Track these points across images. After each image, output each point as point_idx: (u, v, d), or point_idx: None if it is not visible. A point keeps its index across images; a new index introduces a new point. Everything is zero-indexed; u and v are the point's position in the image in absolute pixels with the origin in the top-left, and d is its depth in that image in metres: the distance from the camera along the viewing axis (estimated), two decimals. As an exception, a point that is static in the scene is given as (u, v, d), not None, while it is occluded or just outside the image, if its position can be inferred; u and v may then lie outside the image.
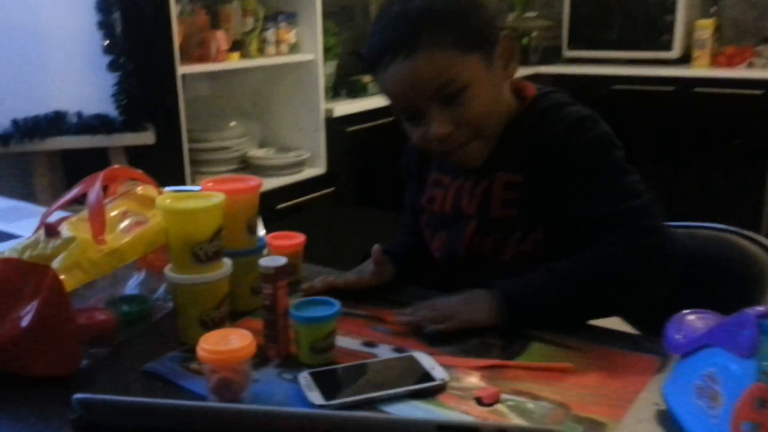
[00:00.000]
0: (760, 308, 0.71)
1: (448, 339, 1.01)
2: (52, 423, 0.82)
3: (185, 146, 2.43)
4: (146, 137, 2.32)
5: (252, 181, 1.10)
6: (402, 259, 1.24)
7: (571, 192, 1.09)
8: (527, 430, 0.45)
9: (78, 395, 0.49)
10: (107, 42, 2.27)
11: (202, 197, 1.00)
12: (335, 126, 3.00)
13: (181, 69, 2.37)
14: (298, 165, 2.92)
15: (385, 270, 1.20)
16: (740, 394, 0.69)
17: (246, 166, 2.89)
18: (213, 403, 0.66)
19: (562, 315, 1.05)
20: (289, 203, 2.80)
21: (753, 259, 1.23)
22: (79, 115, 2.30)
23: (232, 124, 2.89)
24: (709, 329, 0.80)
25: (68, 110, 2.30)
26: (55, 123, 2.27)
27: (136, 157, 2.35)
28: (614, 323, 1.12)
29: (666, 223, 1.07)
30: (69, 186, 2.44)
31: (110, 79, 2.28)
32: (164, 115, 2.38)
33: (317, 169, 2.99)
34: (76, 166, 2.40)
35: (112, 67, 2.27)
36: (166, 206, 0.97)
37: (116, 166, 1.07)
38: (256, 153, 2.93)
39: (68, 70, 2.30)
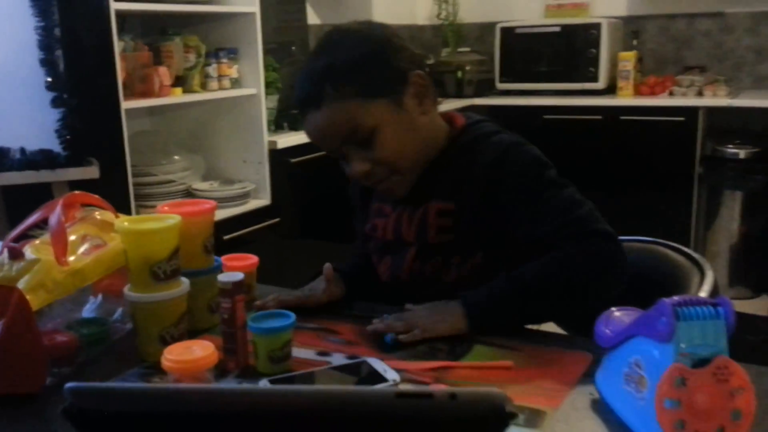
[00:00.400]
0: (675, 298, 0.79)
1: (398, 346, 1.07)
2: (20, 437, 0.85)
3: (130, 180, 2.45)
4: (91, 171, 2.33)
5: (206, 204, 1.16)
6: (352, 278, 1.30)
7: (512, 216, 1.16)
8: (476, 392, 0.52)
9: (69, 384, 0.53)
10: (50, 79, 2.28)
11: (159, 219, 1.05)
12: (279, 158, 3.05)
13: (125, 104, 2.40)
14: (243, 197, 2.96)
15: (335, 287, 1.26)
16: (661, 375, 0.78)
17: (191, 198, 2.91)
18: (204, 385, 0.71)
19: (524, 320, 1.14)
20: (235, 234, 2.83)
21: (679, 267, 1.34)
22: (23, 151, 2.30)
23: (176, 157, 2.92)
24: (632, 321, 0.89)
25: (11, 146, 2.30)
26: (-3, 159, 2.27)
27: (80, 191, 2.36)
28: (548, 326, 1.21)
29: (605, 226, 1.13)
30: (11, 221, 2.43)
31: (54, 115, 2.29)
32: (108, 149, 2.39)
33: (262, 200, 3.03)
34: (19, 202, 2.40)
35: (56, 103, 2.29)
36: (125, 228, 1.02)
37: (76, 192, 1.11)
38: (201, 185, 2.96)
39: (11, 106, 2.31)
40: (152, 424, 0.53)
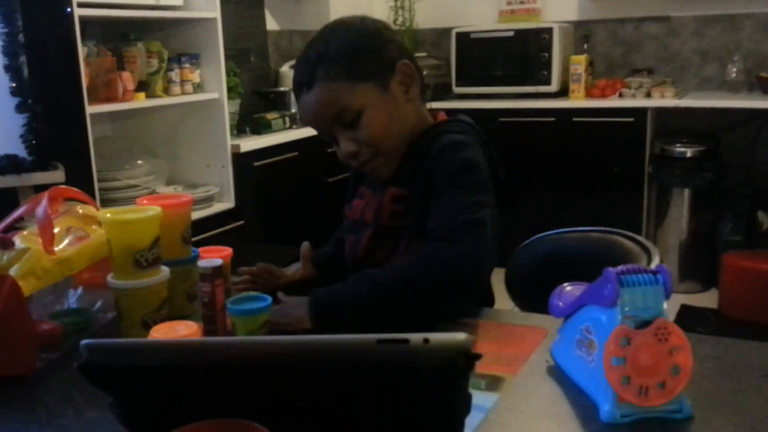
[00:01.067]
0: (619, 267, 0.88)
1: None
2: (14, 418, 0.90)
3: (96, 184, 2.48)
4: (56, 176, 2.36)
5: (184, 197, 1.22)
6: (323, 263, 1.37)
7: (430, 208, 1.22)
8: (446, 336, 0.59)
9: (85, 341, 0.59)
10: (14, 84, 2.31)
11: (140, 210, 1.11)
12: (242, 161, 3.11)
13: (90, 109, 2.43)
14: (207, 200, 3.01)
15: (310, 267, 1.34)
16: (608, 336, 0.86)
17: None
18: (214, 338, 0.77)
19: (367, 315, 1.11)
20: (200, 237, 2.87)
21: (631, 254, 1.44)
22: (-12, 155, 2.32)
23: (140, 162, 2.95)
24: (582, 293, 0.97)
25: (-24, 152, 2.32)
26: (-37, 164, 2.29)
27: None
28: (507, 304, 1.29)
29: (486, 242, 1.15)
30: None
31: (19, 120, 2.32)
32: (73, 154, 2.43)
33: (226, 204, 3.08)
34: (-16, 207, 2.41)
35: (21, 108, 2.32)
36: (109, 218, 1.07)
37: (61, 186, 1.16)
38: (165, 190, 2.99)
39: (-25, 112, 2.33)
40: (160, 376, 0.59)
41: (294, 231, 3.25)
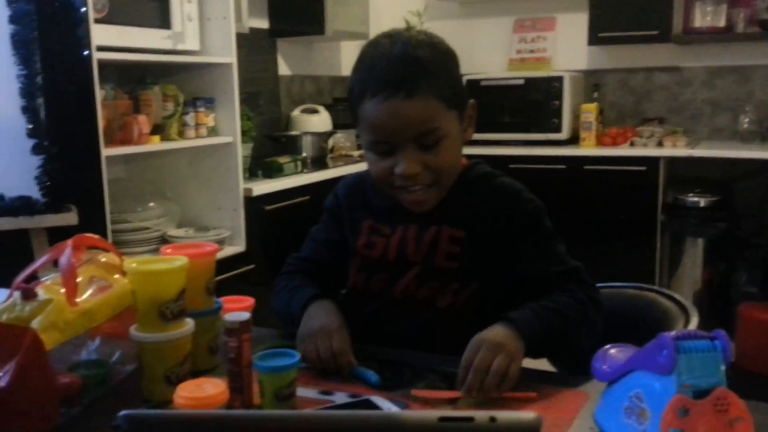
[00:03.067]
0: (674, 332, 0.84)
1: (396, 384, 1.09)
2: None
3: (109, 226, 2.45)
4: (69, 218, 2.33)
5: (208, 247, 1.18)
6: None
7: (515, 253, 1.25)
8: (514, 415, 0.55)
9: (124, 411, 0.55)
10: (31, 126, 2.29)
11: (166, 261, 1.07)
12: (254, 205, 3.08)
13: (105, 152, 2.41)
14: (218, 243, 2.97)
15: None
16: (664, 406, 0.82)
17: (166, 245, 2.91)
18: (255, 411, 0.73)
19: (556, 348, 1.21)
20: (210, 282, 2.83)
21: (669, 313, 1.40)
22: (1, 197, 2.29)
23: (151, 204, 2.92)
24: (630, 357, 0.93)
25: (-11, 193, 2.30)
26: (-24, 205, 2.26)
27: (57, 238, 2.33)
28: (540, 364, 1.25)
29: None
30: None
31: (34, 162, 2.29)
32: (87, 196, 2.40)
33: (237, 247, 3.04)
34: (-5, 248, 2.38)
35: (36, 150, 2.29)
36: (135, 269, 1.04)
37: (86, 235, 1.12)
38: (176, 232, 2.96)
39: (-10, 153, 2.32)
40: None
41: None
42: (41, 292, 0.97)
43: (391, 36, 1.25)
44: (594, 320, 1.20)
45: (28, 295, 0.96)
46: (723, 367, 0.82)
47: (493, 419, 0.54)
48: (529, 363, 1.21)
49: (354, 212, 1.38)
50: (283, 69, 4.15)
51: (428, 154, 1.21)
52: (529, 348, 1.10)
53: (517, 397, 1.04)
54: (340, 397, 1.07)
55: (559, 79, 4.02)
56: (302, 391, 1.07)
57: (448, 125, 1.22)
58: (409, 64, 1.19)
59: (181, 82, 2.95)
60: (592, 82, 4.30)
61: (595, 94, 4.24)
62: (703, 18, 3.89)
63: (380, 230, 1.33)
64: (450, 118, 1.22)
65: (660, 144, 3.81)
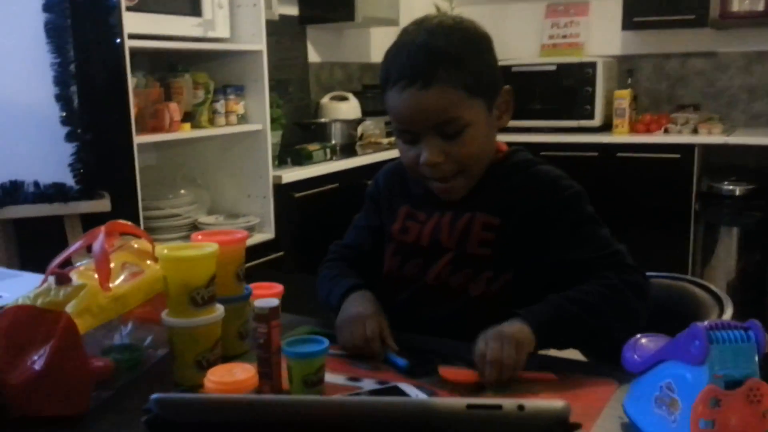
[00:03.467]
0: (707, 322, 0.83)
1: (424, 371, 1.10)
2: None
3: (141, 213, 2.48)
4: (102, 205, 2.36)
5: (238, 233, 1.19)
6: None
7: (553, 240, 1.22)
8: (542, 404, 0.55)
9: (155, 395, 0.56)
10: (64, 114, 2.32)
11: (197, 247, 1.08)
12: (283, 192, 3.09)
13: (137, 139, 2.44)
14: (247, 231, 2.99)
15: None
16: (696, 396, 0.81)
17: (196, 232, 2.94)
18: (287, 396, 0.73)
19: (577, 338, 1.18)
20: (241, 268, 2.85)
21: (704, 304, 1.38)
22: (36, 184, 2.33)
23: (182, 191, 2.95)
24: (662, 346, 0.92)
25: (25, 180, 2.33)
26: (11, 192, 2.29)
27: (91, 224, 2.36)
28: (568, 353, 1.24)
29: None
30: (22, 253, 2.44)
31: (67, 149, 2.32)
32: (120, 183, 2.43)
33: (266, 235, 3.06)
34: (31, 234, 2.42)
35: (70, 137, 2.32)
36: (167, 255, 1.05)
37: (119, 221, 1.14)
38: (206, 219, 2.98)
39: (26, 140, 2.35)
40: (232, 435, 0.56)
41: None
42: (75, 278, 0.99)
43: (420, 23, 1.24)
44: (634, 308, 1.17)
45: (63, 280, 0.97)
46: (756, 358, 0.81)
47: (521, 407, 0.54)
48: (558, 352, 1.21)
49: (392, 198, 1.38)
50: (313, 56, 4.15)
51: (451, 144, 1.21)
52: (544, 340, 1.11)
53: (538, 378, 1.04)
54: (368, 384, 1.07)
55: (592, 65, 3.97)
56: (330, 378, 1.08)
57: (471, 114, 1.20)
58: (428, 54, 1.18)
59: (211, 69, 2.97)
60: (625, 68, 4.24)
61: (629, 80, 4.18)
62: (741, 2, 3.81)
63: (416, 216, 1.33)
64: (474, 106, 1.20)
65: (695, 131, 3.75)
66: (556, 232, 1.23)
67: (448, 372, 1.07)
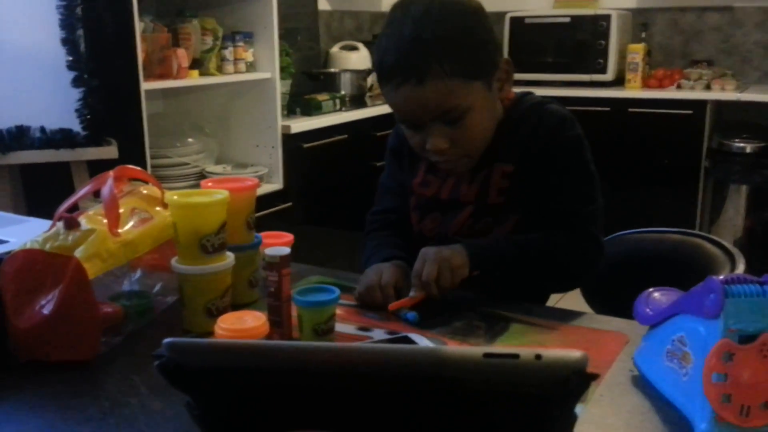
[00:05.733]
0: (722, 276, 0.82)
1: (435, 323, 1.10)
2: (76, 405, 0.87)
3: (148, 161, 2.47)
4: (110, 152, 2.35)
5: (249, 181, 1.18)
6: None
7: (544, 183, 1.23)
8: (560, 353, 0.54)
9: (168, 339, 0.55)
10: (71, 58, 2.29)
11: (207, 194, 1.07)
12: (292, 142, 3.07)
13: (144, 85, 2.41)
14: (256, 181, 2.98)
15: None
16: (709, 350, 0.80)
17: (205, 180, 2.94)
18: (298, 342, 0.73)
19: (509, 273, 1.22)
20: (248, 218, 2.85)
21: (715, 260, 1.37)
22: (43, 129, 2.31)
23: (190, 140, 2.93)
24: (675, 300, 0.91)
25: (31, 125, 2.31)
26: (18, 137, 2.28)
27: (98, 171, 2.34)
28: (580, 306, 1.24)
29: (602, 231, 1.26)
30: (29, 199, 2.44)
31: (74, 95, 2.30)
32: (127, 130, 2.41)
33: (274, 185, 3.05)
34: (37, 180, 2.41)
35: (76, 83, 2.30)
36: (176, 201, 1.04)
37: (128, 166, 1.12)
38: (214, 169, 2.97)
39: (32, 85, 2.32)
40: (245, 379, 0.55)
41: (340, 214, 3.21)
42: (84, 222, 0.98)
43: (406, 7, 1.18)
44: (570, 270, 1.25)
45: (71, 224, 0.96)
46: (772, 313, 0.80)
47: (538, 356, 0.54)
48: (569, 305, 1.22)
49: (413, 151, 1.36)
50: (323, 4, 4.08)
51: (454, 129, 1.19)
52: (477, 269, 1.18)
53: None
54: (378, 334, 1.07)
55: (607, 17, 3.90)
56: (341, 327, 1.08)
57: (471, 98, 1.17)
58: (418, 48, 1.13)
59: (219, 15, 2.93)
60: (640, 21, 4.16)
61: (643, 34, 4.10)
62: (760, -46, 3.72)
63: (436, 170, 1.32)
64: (473, 90, 1.17)
65: (708, 87, 3.70)
66: (549, 175, 1.24)
67: (392, 305, 1.14)
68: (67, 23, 2.27)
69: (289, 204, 3.08)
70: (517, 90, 1.31)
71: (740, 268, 1.29)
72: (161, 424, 0.82)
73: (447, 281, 1.13)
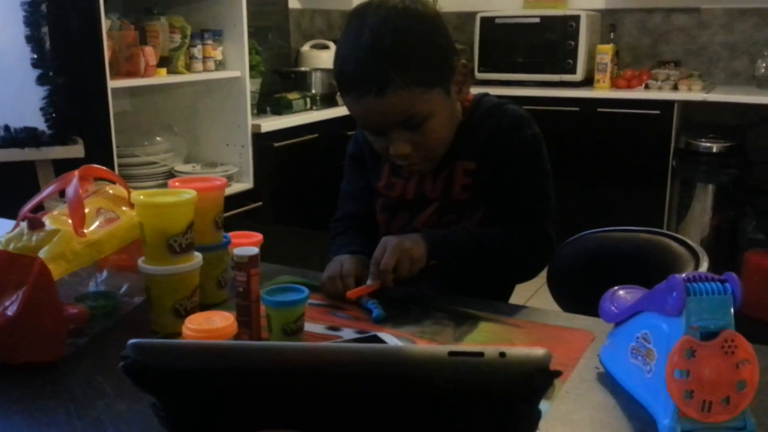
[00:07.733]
0: (684, 274, 0.83)
1: (404, 322, 1.10)
2: (41, 407, 0.86)
3: (115, 160, 2.44)
4: (75, 150, 2.32)
5: (217, 180, 1.17)
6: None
7: (504, 179, 1.27)
8: (523, 351, 0.55)
9: (133, 340, 0.55)
10: (36, 56, 2.26)
11: (175, 193, 1.06)
12: (262, 141, 3.06)
13: (111, 83, 2.38)
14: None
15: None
16: (671, 347, 0.81)
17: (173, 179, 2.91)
18: (266, 342, 0.73)
19: (466, 264, 1.26)
20: (218, 217, 2.83)
21: (680, 258, 1.40)
22: (7, 128, 2.28)
23: (158, 139, 2.90)
24: (639, 298, 0.92)
25: (-5, 123, 2.28)
26: (-19, 136, 2.24)
27: (63, 170, 2.32)
28: (548, 304, 1.26)
29: (554, 226, 1.30)
30: (-7, 198, 2.39)
31: (39, 93, 2.27)
32: (93, 128, 2.38)
33: (244, 184, 3.03)
34: (2, 179, 2.37)
35: (41, 80, 2.26)
36: (143, 201, 1.03)
37: (93, 165, 1.11)
38: (183, 168, 2.95)
39: (-4, 83, 2.29)
40: (211, 380, 0.55)
41: (310, 214, 3.20)
42: (48, 222, 0.97)
43: (363, 16, 1.18)
44: (524, 263, 1.29)
45: (35, 225, 0.95)
46: (732, 310, 0.81)
47: (502, 354, 0.54)
48: (537, 303, 1.23)
49: (375, 154, 1.37)
50: (293, 2, 4.07)
51: (416, 134, 1.21)
52: (434, 258, 1.21)
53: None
54: (348, 333, 1.07)
55: (576, 18, 3.93)
56: (310, 327, 1.08)
57: (431, 104, 1.19)
58: (376, 59, 1.14)
59: (188, 13, 2.90)
60: (609, 22, 4.20)
61: (612, 35, 4.15)
62: (725, -43, 3.78)
63: (400, 172, 1.34)
64: (432, 96, 1.19)
65: (675, 87, 3.75)
66: (508, 172, 1.27)
67: (351, 293, 1.16)
68: (32, 20, 2.24)
69: (259, 203, 3.07)
70: (475, 91, 1.35)
71: (704, 267, 1.31)
72: (127, 426, 0.81)
73: (405, 271, 1.16)
